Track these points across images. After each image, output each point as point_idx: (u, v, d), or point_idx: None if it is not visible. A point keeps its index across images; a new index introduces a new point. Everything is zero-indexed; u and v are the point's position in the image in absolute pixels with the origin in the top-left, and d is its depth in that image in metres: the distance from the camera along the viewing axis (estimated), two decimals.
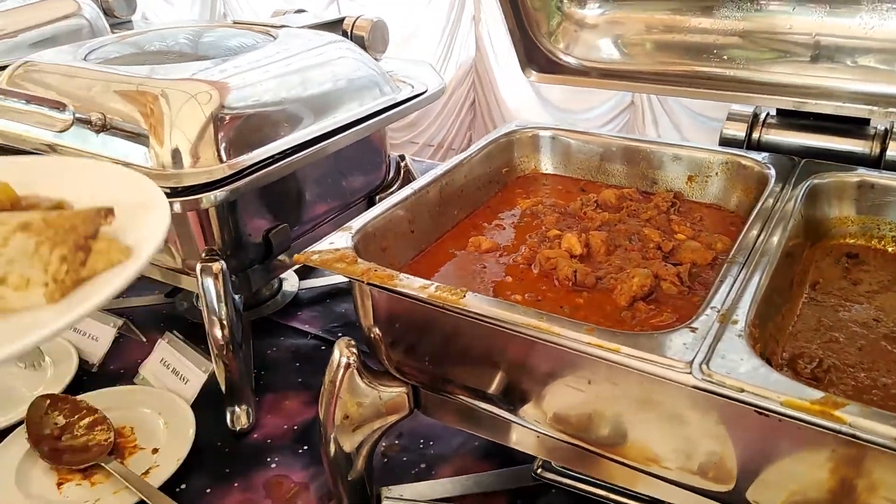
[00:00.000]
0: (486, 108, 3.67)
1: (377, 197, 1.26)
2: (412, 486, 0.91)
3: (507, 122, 1.01)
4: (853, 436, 0.46)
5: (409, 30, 3.49)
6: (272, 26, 1.21)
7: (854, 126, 0.86)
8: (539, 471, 0.88)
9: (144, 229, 0.60)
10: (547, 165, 1.00)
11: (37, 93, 0.95)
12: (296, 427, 1.04)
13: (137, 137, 0.90)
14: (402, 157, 1.31)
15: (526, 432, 0.70)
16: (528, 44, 0.99)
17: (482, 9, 3.39)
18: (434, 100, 1.22)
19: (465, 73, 3.68)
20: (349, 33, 1.26)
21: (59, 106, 0.84)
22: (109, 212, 0.57)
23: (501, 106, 3.55)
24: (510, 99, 3.50)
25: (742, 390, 0.49)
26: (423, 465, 0.95)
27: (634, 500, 0.81)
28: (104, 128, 0.88)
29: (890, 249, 0.78)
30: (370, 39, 1.26)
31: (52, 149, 0.95)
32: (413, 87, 1.20)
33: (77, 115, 0.85)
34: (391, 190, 1.26)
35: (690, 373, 0.51)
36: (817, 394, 0.48)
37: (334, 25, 1.26)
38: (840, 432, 0.46)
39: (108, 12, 1.71)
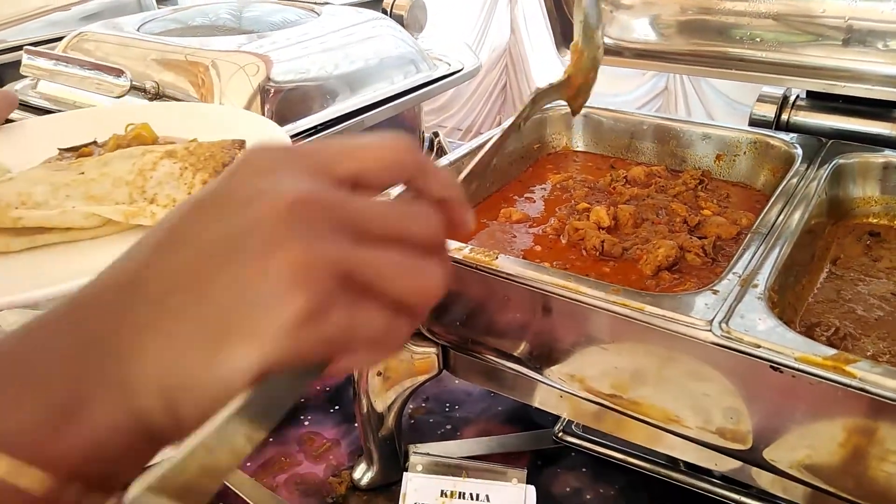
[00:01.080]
0: (518, 92, 3.67)
1: None
2: (439, 444, 0.95)
3: None
4: (864, 390, 0.48)
5: (445, 11, 3.50)
6: (315, 2, 1.25)
7: (883, 109, 0.88)
8: (560, 434, 0.91)
9: None
10: (578, 142, 1.03)
11: (94, 61, 1.00)
12: (328, 388, 1.08)
13: None
14: (436, 134, 1.35)
15: (550, 392, 0.73)
16: (564, 23, 1.01)
17: None
18: (469, 78, 1.25)
19: (498, 56, 3.68)
20: (389, 11, 1.29)
21: (117, 73, 0.88)
22: (242, 143, 0.63)
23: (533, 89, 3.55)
24: (543, 82, 3.50)
25: (759, 346, 0.52)
26: (448, 427, 0.99)
27: (650, 462, 0.84)
28: (157, 95, 0.92)
29: None
30: (409, 18, 1.29)
31: None
32: (449, 65, 1.23)
33: (133, 83, 0.89)
34: None
35: (710, 330, 0.55)
36: (830, 351, 0.51)
37: (375, 3, 1.30)
38: (851, 387, 0.49)
39: None
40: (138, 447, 0.29)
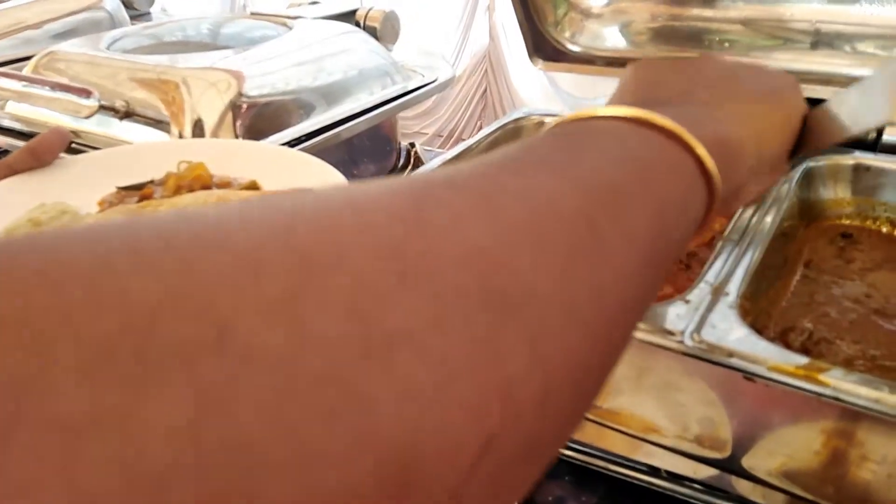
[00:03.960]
0: (498, 97, 3.68)
1: None
2: None
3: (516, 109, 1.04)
4: (836, 398, 0.49)
5: (425, 19, 3.51)
6: (288, 17, 1.25)
7: None
8: None
9: None
10: None
11: (62, 81, 0.99)
12: None
13: (158, 124, 0.94)
14: (412, 145, 1.34)
15: None
16: (535, 33, 1.01)
17: None
18: (443, 89, 1.25)
19: (477, 62, 3.69)
20: (362, 24, 1.29)
21: (85, 93, 0.88)
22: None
23: (514, 94, 3.55)
24: (522, 87, 3.50)
25: (731, 356, 0.52)
26: None
27: (632, 469, 0.84)
28: (127, 115, 0.92)
29: (884, 229, 0.80)
30: (382, 30, 1.29)
31: (76, 134, 0.99)
32: (423, 76, 1.23)
33: (102, 103, 0.88)
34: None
35: (682, 341, 0.54)
36: (802, 359, 0.51)
37: (347, 16, 1.30)
38: (823, 395, 0.49)
39: (127, 4, 1.74)
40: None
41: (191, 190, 0.66)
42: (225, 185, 0.69)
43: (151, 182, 0.68)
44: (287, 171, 0.70)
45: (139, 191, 0.67)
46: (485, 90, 3.73)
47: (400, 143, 1.30)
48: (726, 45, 0.94)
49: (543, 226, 0.24)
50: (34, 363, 0.13)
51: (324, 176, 0.68)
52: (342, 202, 0.21)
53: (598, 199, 0.26)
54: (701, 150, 0.32)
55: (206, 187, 0.67)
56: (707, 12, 0.94)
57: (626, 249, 0.26)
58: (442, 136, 3.78)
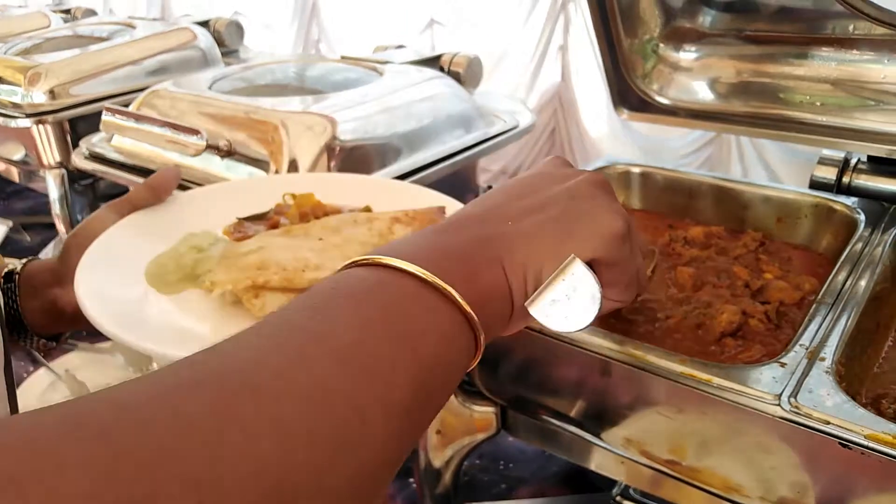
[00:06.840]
0: (567, 136, 3.69)
1: None
2: (493, 503, 0.95)
3: (595, 157, 1.06)
4: None
5: (497, 56, 3.57)
6: (378, 62, 1.30)
7: None
8: (618, 498, 0.91)
9: None
10: (635, 202, 1.04)
11: (167, 119, 1.05)
12: None
13: (257, 163, 0.99)
14: (490, 188, 1.37)
15: (609, 456, 0.74)
16: (621, 84, 1.03)
17: (570, 38, 3.43)
18: (524, 134, 1.28)
19: (547, 101, 3.72)
20: (447, 68, 1.33)
21: (194, 132, 0.93)
22: (444, 210, 0.72)
23: (583, 134, 3.56)
24: (592, 127, 3.51)
25: (828, 423, 0.52)
26: (503, 486, 0.99)
27: None
28: (230, 153, 0.97)
29: None
30: (466, 75, 1.32)
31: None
32: (505, 121, 1.26)
33: (208, 142, 0.94)
34: None
35: (779, 405, 0.55)
36: None
37: (433, 61, 1.34)
38: None
39: (219, 42, 1.83)
40: (503, 307, 0.45)
41: (315, 216, 0.70)
42: (336, 212, 0.73)
43: (267, 212, 0.73)
44: (385, 198, 0.75)
45: (261, 220, 0.72)
46: (553, 129, 3.76)
47: (479, 186, 1.33)
48: (818, 104, 0.94)
49: (317, 423, 0.29)
50: None
51: (426, 198, 0.73)
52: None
53: (363, 378, 0.33)
54: (458, 298, 0.40)
55: (325, 214, 0.71)
56: (797, 71, 0.95)
57: (387, 424, 0.33)
58: (507, 174, 3.80)
